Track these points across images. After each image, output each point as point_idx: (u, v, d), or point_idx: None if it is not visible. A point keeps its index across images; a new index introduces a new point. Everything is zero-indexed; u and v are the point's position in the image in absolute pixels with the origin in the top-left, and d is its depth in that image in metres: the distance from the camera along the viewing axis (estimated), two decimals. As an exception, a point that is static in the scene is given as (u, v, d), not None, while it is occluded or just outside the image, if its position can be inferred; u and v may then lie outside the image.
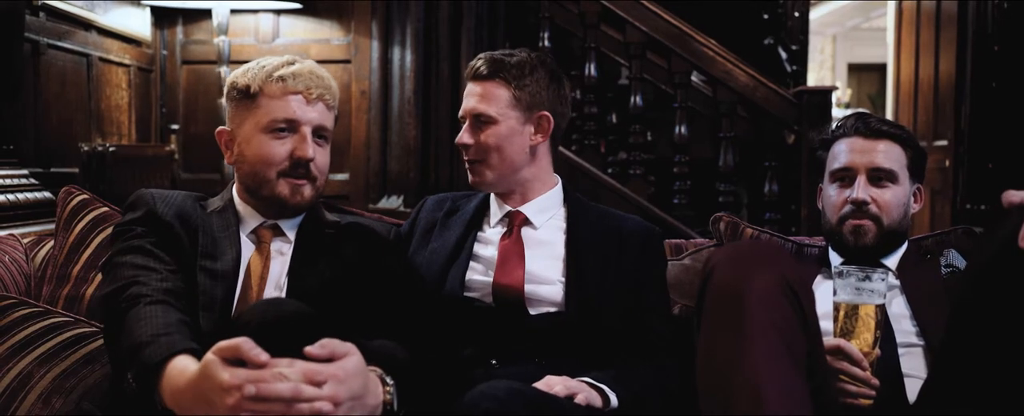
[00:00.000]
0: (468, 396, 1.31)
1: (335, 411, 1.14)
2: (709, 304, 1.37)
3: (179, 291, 1.43)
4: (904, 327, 1.62)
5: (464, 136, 1.72)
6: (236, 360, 1.14)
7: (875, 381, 1.42)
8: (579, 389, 1.47)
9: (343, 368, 1.17)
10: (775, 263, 1.35)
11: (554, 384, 1.47)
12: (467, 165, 1.74)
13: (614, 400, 1.50)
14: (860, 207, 1.71)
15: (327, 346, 1.18)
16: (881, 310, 1.43)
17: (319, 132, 1.56)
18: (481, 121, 1.70)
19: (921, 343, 1.59)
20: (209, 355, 1.15)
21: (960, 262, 1.75)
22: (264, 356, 1.13)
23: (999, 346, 1.30)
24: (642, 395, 1.54)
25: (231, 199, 1.62)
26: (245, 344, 1.13)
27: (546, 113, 1.72)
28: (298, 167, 1.54)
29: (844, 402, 1.43)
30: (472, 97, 1.72)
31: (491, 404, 1.28)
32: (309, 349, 1.16)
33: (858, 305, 1.42)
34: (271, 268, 1.55)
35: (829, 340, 1.43)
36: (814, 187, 1.97)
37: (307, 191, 1.56)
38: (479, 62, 1.73)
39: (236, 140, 1.58)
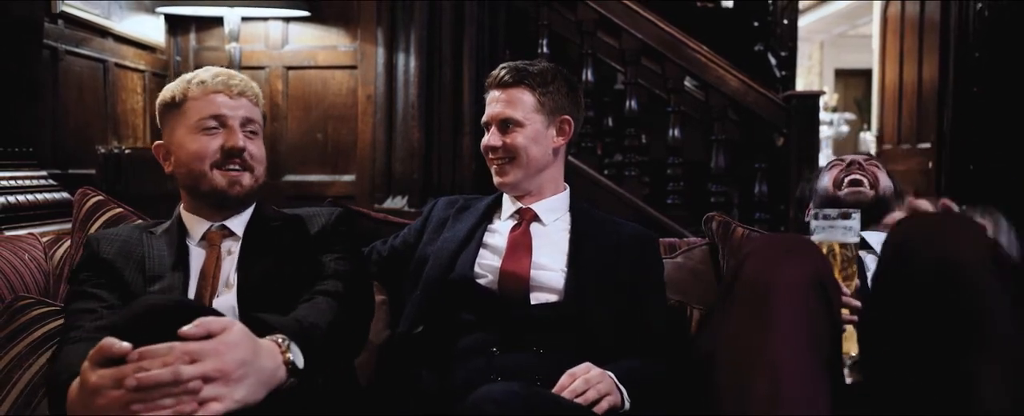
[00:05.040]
0: (471, 398, 1.31)
1: (225, 384, 1.13)
2: (739, 289, 1.40)
3: None
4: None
5: (492, 139, 1.76)
6: (107, 360, 1.12)
7: (856, 303, 1.47)
8: (609, 390, 1.50)
9: (223, 342, 1.15)
10: (808, 257, 1.40)
11: (593, 380, 1.49)
12: (494, 167, 1.79)
13: (627, 403, 1.52)
14: (856, 165, 1.94)
15: (202, 324, 1.16)
16: (856, 246, 1.51)
17: (247, 125, 1.60)
18: (508, 125, 1.75)
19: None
20: (83, 363, 1.14)
21: None
22: (126, 346, 1.11)
23: (897, 342, 1.42)
24: (642, 394, 1.56)
25: (177, 215, 1.65)
26: (107, 342, 1.12)
27: (568, 117, 1.79)
28: (231, 157, 1.57)
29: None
30: (497, 103, 1.76)
31: (492, 407, 1.28)
32: (183, 330, 1.14)
33: (834, 243, 1.49)
34: (222, 267, 1.57)
35: None
36: (804, 188, 2.10)
37: (246, 180, 1.59)
38: (503, 71, 1.77)
39: (171, 149, 1.61)
